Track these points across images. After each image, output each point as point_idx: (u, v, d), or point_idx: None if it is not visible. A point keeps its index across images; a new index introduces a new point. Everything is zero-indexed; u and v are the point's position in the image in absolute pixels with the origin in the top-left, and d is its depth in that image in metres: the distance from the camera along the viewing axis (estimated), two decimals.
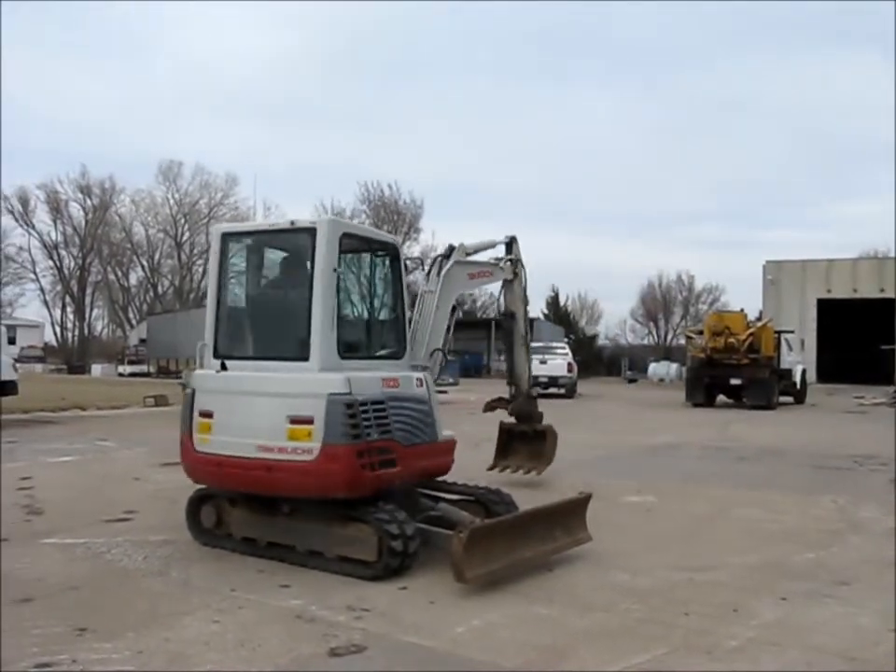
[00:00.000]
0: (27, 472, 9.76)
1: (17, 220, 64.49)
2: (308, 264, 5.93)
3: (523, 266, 8.95)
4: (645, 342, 71.59)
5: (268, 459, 5.64)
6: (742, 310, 26.38)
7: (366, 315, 6.46)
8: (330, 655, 4.17)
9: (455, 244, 7.71)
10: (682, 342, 47.68)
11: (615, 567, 5.89)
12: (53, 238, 66.46)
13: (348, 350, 5.93)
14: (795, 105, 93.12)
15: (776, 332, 25.63)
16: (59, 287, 68.13)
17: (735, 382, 23.76)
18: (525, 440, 9.59)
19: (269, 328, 6.46)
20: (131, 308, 72.05)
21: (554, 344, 32.25)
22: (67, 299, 68.92)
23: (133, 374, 45.60)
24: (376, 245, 6.50)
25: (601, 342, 67.33)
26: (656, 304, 72.00)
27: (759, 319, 28.07)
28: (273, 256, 6.65)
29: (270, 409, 5.72)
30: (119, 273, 69.84)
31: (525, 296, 9.22)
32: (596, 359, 56.97)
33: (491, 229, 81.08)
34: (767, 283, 44.85)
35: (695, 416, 21.02)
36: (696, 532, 7.31)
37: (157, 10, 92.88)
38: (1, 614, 4.62)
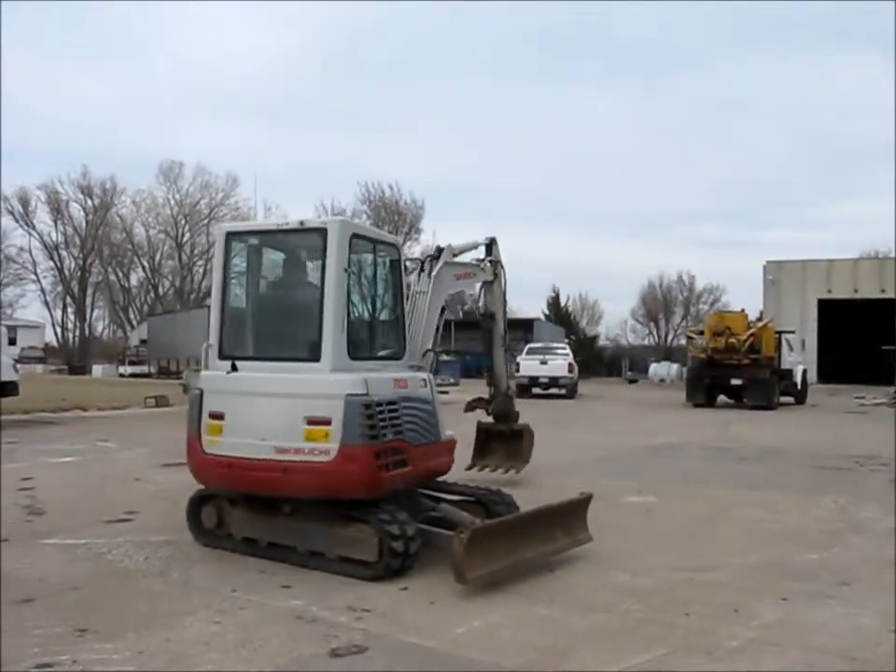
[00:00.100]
0: (28, 473, 9.76)
1: (17, 221, 64.56)
2: (318, 265, 5.93)
3: (502, 267, 9.04)
4: (646, 342, 71.57)
5: (284, 461, 5.61)
6: (743, 310, 26.37)
7: (369, 315, 6.45)
8: (331, 656, 4.17)
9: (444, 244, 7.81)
10: (683, 342, 47.61)
11: (616, 567, 5.89)
12: (54, 239, 66.54)
13: (355, 351, 5.92)
14: (795, 105, 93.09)
15: (776, 333, 25.61)
16: (59, 288, 68.18)
17: (735, 382, 23.75)
18: (502, 439, 9.64)
19: (277, 328, 6.42)
20: (131, 309, 72.05)
21: (555, 345, 32.27)
22: (68, 299, 68.95)
23: (133, 375, 45.59)
24: (380, 245, 6.50)
25: (602, 342, 67.26)
26: (657, 305, 71.96)
27: (759, 319, 28.04)
28: (281, 256, 6.59)
29: (285, 410, 5.69)
30: (120, 274, 69.88)
31: (505, 297, 9.30)
32: (597, 360, 56.89)
33: (491, 229, 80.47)
34: (768, 283, 44.83)
35: (696, 417, 21.01)
36: (697, 532, 7.31)
37: (157, 10, 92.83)
38: (1, 614, 4.62)
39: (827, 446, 14.18)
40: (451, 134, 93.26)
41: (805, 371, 27.55)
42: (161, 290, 71.70)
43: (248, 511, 6.11)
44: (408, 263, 7.31)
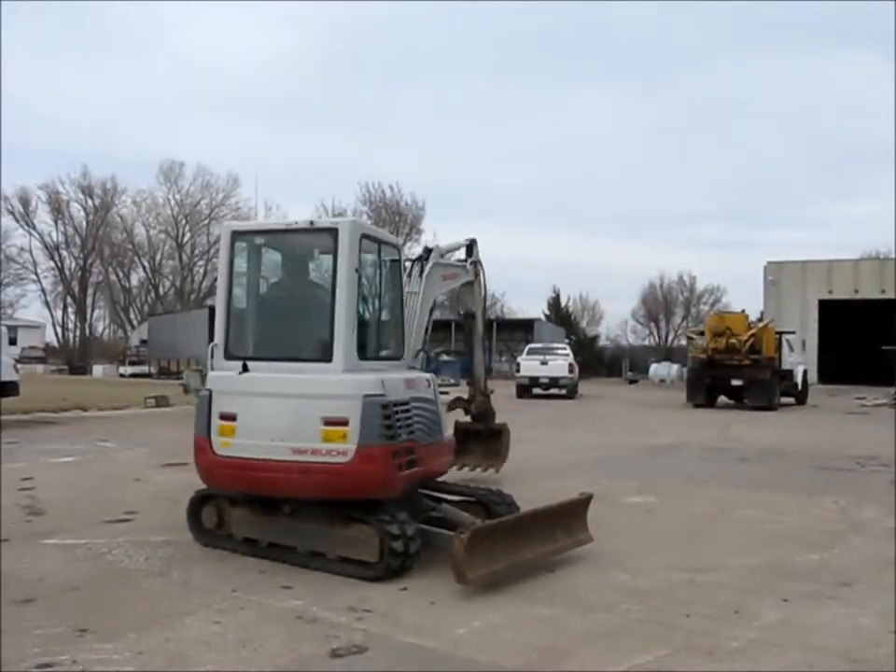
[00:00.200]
0: (28, 473, 9.76)
1: (18, 221, 64.63)
2: (327, 265, 5.93)
3: (482, 267, 9.05)
4: (646, 342, 71.62)
5: (301, 462, 5.59)
6: (743, 311, 26.38)
7: (374, 315, 6.43)
8: (331, 656, 4.17)
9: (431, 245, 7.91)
10: (683, 342, 47.66)
11: (616, 567, 5.89)
12: (54, 239, 66.61)
13: (361, 351, 5.92)
14: (795, 104, 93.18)
15: (777, 333, 25.63)
16: (60, 288, 68.24)
17: (736, 382, 23.75)
18: (479, 439, 9.64)
19: (286, 328, 6.37)
20: (132, 309, 72.09)
21: (555, 345, 32.27)
22: (68, 299, 69.02)
23: (133, 375, 45.57)
24: (384, 246, 6.48)
25: (602, 342, 67.31)
26: (657, 305, 71.99)
27: (760, 320, 28.08)
28: (289, 256, 6.54)
29: (301, 411, 5.68)
30: (121, 274, 69.94)
31: (485, 297, 9.36)
32: (597, 360, 56.91)
33: (491, 229, 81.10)
34: (768, 284, 44.86)
35: (696, 417, 21.01)
36: (697, 533, 7.31)
37: (157, 10, 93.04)
38: (2, 614, 4.62)
39: (828, 447, 14.18)
40: (451, 134, 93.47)
41: (805, 372, 27.55)
42: (161, 290, 71.78)
43: (249, 512, 6.10)
44: (407, 264, 7.32)
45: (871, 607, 5.09)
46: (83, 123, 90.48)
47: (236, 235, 6.32)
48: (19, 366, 17.78)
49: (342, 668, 4.05)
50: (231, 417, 5.89)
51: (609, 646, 4.38)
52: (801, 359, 28.14)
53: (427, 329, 7.36)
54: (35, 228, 65.85)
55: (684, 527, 7.49)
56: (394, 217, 60.16)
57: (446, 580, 5.24)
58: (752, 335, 23.73)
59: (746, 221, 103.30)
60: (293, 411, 5.70)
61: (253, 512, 6.08)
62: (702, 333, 25.46)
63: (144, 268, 70.01)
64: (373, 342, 6.31)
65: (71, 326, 70.13)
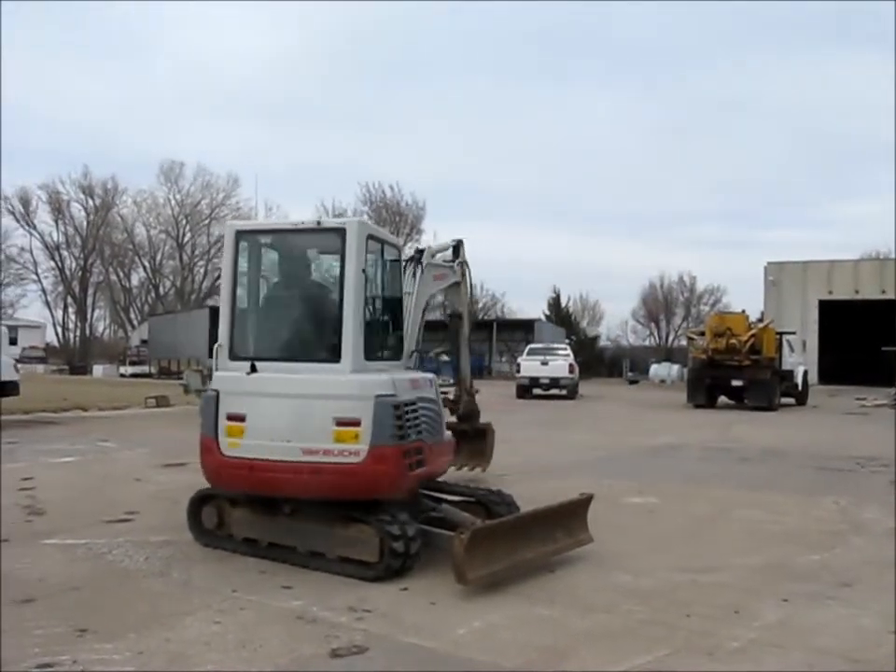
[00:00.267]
0: (28, 473, 9.75)
1: (18, 221, 64.68)
2: (335, 265, 5.92)
3: (468, 268, 9.08)
4: (646, 343, 71.61)
5: (313, 462, 5.58)
6: (744, 311, 26.38)
7: (377, 316, 6.43)
8: (332, 656, 4.16)
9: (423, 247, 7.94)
10: (684, 343, 47.66)
11: (617, 568, 5.89)
12: (55, 239, 66.65)
13: (368, 352, 5.91)
14: (795, 104, 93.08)
15: (777, 333, 25.62)
16: (60, 288, 68.28)
17: (736, 383, 23.75)
18: (465, 438, 9.64)
19: (292, 329, 6.36)
20: (132, 309, 72.12)
21: (556, 345, 32.27)
22: (69, 299, 69.04)
23: (134, 375, 45.61)
24: (387, 247, 6.46)
25: (602, 343, 67.32)
26: (658, 305, 71.96)
27: (760, 320, 28.06)
28: (294, 255, 6.50)
29: (312, 411, 5.66)
30: (121, 274, 69.96)
31: (471, 297, 9.40)
32: (598, 360, 56.94)
33: (491, 229, 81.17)
34: (769, 284, 44.86)
35: (697, 417, 21.01)
36: (698, 533, 7.30)
37: (157, 10, 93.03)
38: (1, 614, 4.62)
39: (828, 447, 14.17)
40: (451, 134, 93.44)
41: (805, 372, 27.55)
42: (161, 290, 71.79)
43: (249, 512, 6.10)
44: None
45: (871, 607, 5.09)
46: (83, 123, 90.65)
47: (240, 235, 6.28)
48: (19, 366, 17.79)
49: (342, 668, 4.05)
50: (240, 418, 5.86)
51: (610, 646, 4.38)
52: (801, 360, 28.14)
53: (420, 330, 7.37)
54: (35, 228, 66.03)
55: (685, 528, 7.49)
56: (394, 217, 60.16)
57: (446, 580, 5.24)
58: (753, 335, 23.74)
59: (746, 221, 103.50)
60: (303, 411, 5.68)
61: (253, 513, 6.08)
62: (702, 334, 25.46)
63: (144, 268, 70.14)
64: (377, 342, 6.31)
65: (71, 326, 70.30)
